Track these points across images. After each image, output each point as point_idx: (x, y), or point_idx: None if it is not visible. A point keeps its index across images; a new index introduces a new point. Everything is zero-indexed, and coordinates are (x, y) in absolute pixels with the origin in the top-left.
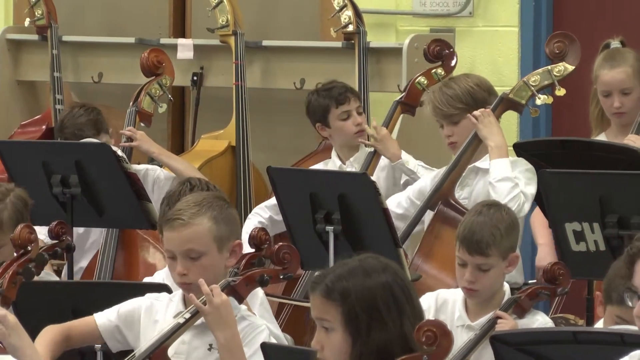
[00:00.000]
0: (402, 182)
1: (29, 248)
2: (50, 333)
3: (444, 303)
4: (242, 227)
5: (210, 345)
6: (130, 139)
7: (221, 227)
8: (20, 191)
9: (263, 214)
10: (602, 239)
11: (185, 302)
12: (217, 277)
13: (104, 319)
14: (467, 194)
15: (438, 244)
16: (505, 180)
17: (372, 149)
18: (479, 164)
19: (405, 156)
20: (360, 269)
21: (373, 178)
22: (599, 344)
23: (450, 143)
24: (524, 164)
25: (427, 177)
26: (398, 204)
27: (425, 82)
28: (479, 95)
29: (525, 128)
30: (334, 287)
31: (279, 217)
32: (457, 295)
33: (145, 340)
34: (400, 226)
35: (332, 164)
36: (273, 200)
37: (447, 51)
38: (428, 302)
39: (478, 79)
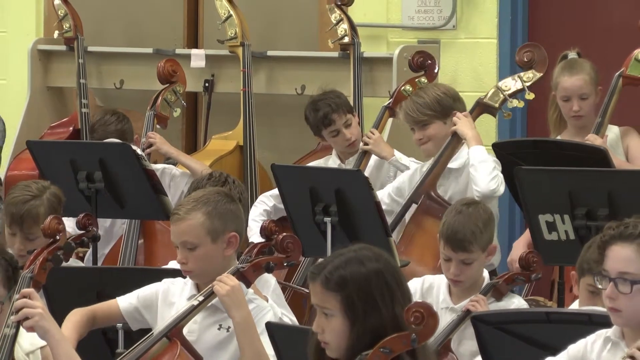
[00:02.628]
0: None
1: (58, 237)
2: (77, 315)
3: (429, 287)
4: (247, 218)
5: (220, 325)
6: (150, 143)
7: (214, 221)
8: (56, 189)
9: (268, 202)
10: (572, 229)
11: (198, 286)
12: (215, 265)
13: (126, 302)
14: (442, 192)
15: (420, 232)
16: (486, 161)
17: (360, 151)
18: (450, 164)
19: (398, 154)
20: (356, 259)
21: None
22: (569, 324)
23: (422, 145)
24: (492, 156)
25: (405, 176)
26: (380, 200)
27: (410, 89)
28: (446, 103)
29: (503, 130)
30: (332, 277)
31: (282, 206)
32: (442, 280)
33: (163, 319)
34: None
35: (333, 161)
36: (276, 191)
37: (429, 61)
38: (414, 286)
39: (445, 87)
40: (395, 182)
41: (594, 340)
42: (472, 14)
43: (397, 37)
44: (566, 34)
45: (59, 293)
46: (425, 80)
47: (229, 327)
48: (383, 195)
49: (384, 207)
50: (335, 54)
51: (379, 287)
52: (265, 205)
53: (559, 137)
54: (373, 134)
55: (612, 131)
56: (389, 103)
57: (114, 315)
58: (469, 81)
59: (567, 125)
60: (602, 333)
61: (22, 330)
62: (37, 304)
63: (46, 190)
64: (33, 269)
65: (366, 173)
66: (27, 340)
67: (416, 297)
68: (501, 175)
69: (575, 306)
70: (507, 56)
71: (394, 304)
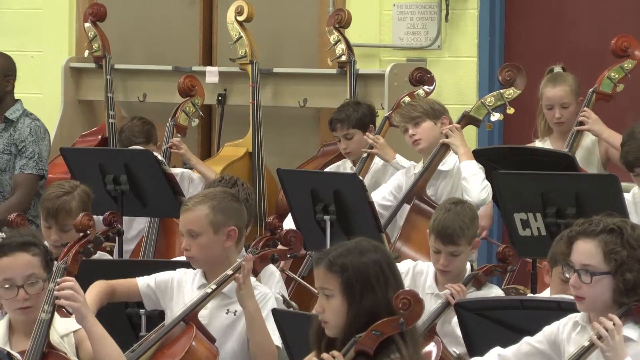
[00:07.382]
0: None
1: (88, 232)
2: (99, 286)
3: (419, 272)
4: (252, 216)
5: (228, 309)
6: (177, 147)
7: (217, 215)
8: (85, 187)
9: None
10: (543, 226)
11: (206, 276)
12: (215, 254)
13: (144, 283)
14: (432, 192)
15: (414, 231)
16: (476, 174)
17: (364, 155)
18: (440, 167)
19: (399, 157)
20: (356, 249)
21: (365, 177)
22: (541, 310)
23: (414, 142)
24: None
25: (400, 174)
26: (383, 197)
27: (409, 101)
28: (436, 107)
29: (482, 138)
30: (335, 262)
31: None
32: (430, 268)
33: (177, 304)
34: (385, 214)
35: (348, 163)
36: None
37: (427, 76)
38: (407, 266)
39: (434, 100)
40: (394, 180)
41: (566, 323)
42: (455, 36)
43: (388, 56)
44: (538, 53)
45: (88, 281)
46: (423, 93)
47: (236, 311)
48: (385, 192)
49: (387, 203)
50: (334, 71)
51: (376, 273)
52: None
53: (546, 141)
54: (378, 139)
55: (590, 136)
56: (389, 113)
57: (132, 293)
58: (452, 95)
59: (553, 130)
60: (573, 317)
61: (56, 315)
62: (81, 292)
63: (77, 188)
64: (67, 260)
65: (371, 174)
66: (62, 325)
67: (408, 276)
68: (490, 186)
69: (546, 294)
70: (486, 73)
71: (388, 289)
